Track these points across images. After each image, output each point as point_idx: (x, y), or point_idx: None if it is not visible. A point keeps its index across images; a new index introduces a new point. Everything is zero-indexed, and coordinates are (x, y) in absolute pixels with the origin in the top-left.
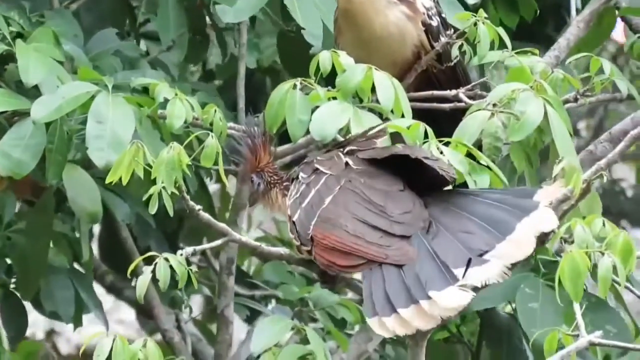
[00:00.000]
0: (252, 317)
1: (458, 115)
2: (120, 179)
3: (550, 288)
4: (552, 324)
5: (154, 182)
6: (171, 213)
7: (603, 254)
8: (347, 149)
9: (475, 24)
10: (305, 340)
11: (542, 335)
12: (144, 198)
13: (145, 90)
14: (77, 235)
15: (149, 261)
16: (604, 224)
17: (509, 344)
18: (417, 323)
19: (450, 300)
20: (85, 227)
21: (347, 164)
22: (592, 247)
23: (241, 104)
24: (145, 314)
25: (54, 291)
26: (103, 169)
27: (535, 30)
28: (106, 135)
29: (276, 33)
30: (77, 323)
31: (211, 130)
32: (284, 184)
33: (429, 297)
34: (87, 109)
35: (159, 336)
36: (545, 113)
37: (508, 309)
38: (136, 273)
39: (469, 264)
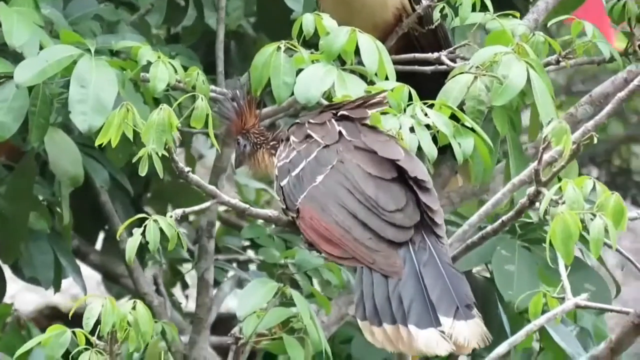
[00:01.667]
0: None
1: (439, 78)
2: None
3: (526, 250)
4: (529, 287)
5: (132, 146)
6: (161, 175)
7: (595, 215)
8: (340, 113)
9: None
10: (287, 304)
11: (520, 298)
12: (134, 160)
13: (125, 53)
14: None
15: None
16: (594, 186)
17: (485, 308)
18: (400, 345)
19: (428, 342)
20: (66, 191)
21: (340, 133)
22: (582, 208)
23: (220, 67)
24: (111, 278)
25: (33, 256)
26: (86, 133)
27: None
28: (89, 99)
29: None
30: (56, 288)
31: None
32: (271, 143)
33: (407, 328)
34: (69, 73)
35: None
36: (528, 77)
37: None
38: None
39: (456, 312)
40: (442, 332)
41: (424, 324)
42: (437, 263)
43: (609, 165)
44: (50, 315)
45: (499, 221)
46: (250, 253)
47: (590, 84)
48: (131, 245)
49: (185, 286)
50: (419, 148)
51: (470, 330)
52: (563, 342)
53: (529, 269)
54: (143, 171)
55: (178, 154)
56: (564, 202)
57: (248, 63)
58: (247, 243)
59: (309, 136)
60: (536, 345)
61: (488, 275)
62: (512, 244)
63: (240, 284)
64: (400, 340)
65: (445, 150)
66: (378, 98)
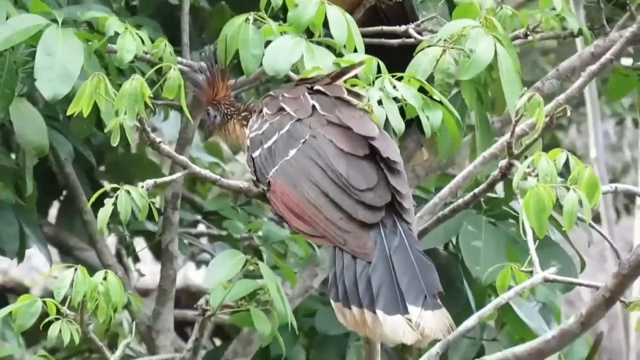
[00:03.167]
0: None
1: (405, 51)
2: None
3: (492, 225)
4: (495, 262)
5: (96, 118)
6: (132, 146)
7: (569, 188)
8: (315, 87)
9: None
10: (252, 277)
11: (487, 272)
12: (106, 130)
13: (89, 25)
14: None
15: None
16: (567, 159)
17: (449, 284)
18: (365, 330)
19: (394, 330)
20: (31, 161)
21: (314, 107)
22: (555, 181)
23: (185, 38)
24: (64, 250)
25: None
26: (51, 101)
27: None
28: (55, 67)
29: None
30: (21, 258)
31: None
32: (242, 114)
33: (373, 309)
34: (35, 42)
35: None
36: (496, 51)
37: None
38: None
39: (424, 301)
40: (410, 320)
41: (392, 310)
42: (407, 249)
43: None
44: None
45: (471, 194)
46: (202, 227)
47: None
48: (103, 216)
49: (136, 259)
50: (387, 121)
51: (436, 321)
52: (526, 318)
53: (496, 244)
54: (115, 141)
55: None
56: (536, 175)
57: (206, 36)
58: (199, 217)
59: (282, 109)
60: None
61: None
62: (478, 220)
63: (193, 257)
64: (366, 324)
65: (410, 124)
66: (354, 71)
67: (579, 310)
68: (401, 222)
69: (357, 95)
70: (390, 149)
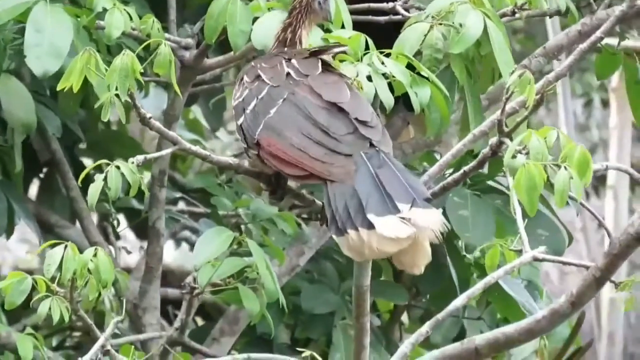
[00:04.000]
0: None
1: (391, 29)
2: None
3: (477, 197)
4: (484, 228)
5: (83, 92)
6: (124, 120)
7: (559, 166)
8: (292, 60)
9: None
10: (238, 254)
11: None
12: (96, 106)
13: (75, 2)
14: None
15: None
16: (558, 136)
17: (433, 260)
18: (365, 249)
19: (388, 228)
20: (19, 138)
21: (288, 74)
22: (546, 159)
23: (172, 15)
24: (45, 228)
25: None
26: (41, 77)
27: None
28: (44, 43)
29: None
30: (9, 234)
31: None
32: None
33: (369, 223)
34: (24, 19)
35: None
36: (485, 26)
37: None
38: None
39: (413, 202)
40: (402, 218)
41: (382, 212)
42: (390, 165)
43: None
44: None
45: (461, 171)
46: (182, 205)
47: None
48: (93, 191)
49: (117, 237)
50: (376, 96)
51: (429, 215)
52: (514, 294)
53: (484, 213)
54: (105, 117)
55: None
56: (527, 153)
57: (188, 12)
58: (179, 194)
59: (258, 76)
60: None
61: None
62: (463, 192)
63: (173, 235)
64: (364, 243)
65: (397, 101)
66: (335, 50)
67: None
68: (382, 151)
69: (334, 70)
70: (359, 110)
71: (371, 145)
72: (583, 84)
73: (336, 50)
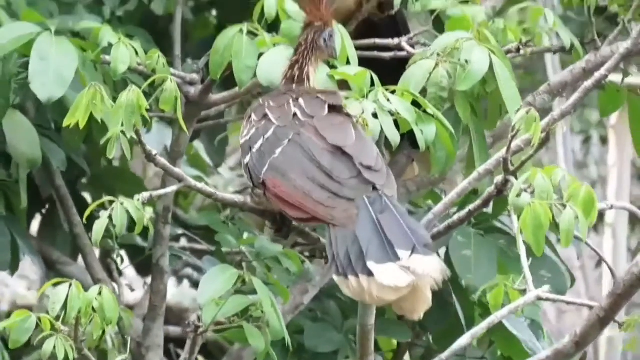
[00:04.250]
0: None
1: (396, 65)
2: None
3: (481, 237)
4: (487, 270)
5: (88, 128)
6: (129, 157)
7: (565, 206)
8: (300, 100)
9: None
10: (243, 292)
11: (482, 288)
12: (102, 142)
13: (77, 35)
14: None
15: None
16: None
17: (438, 298)
18: (366, 296)
19: (387, 277)
20: (24, 173)
21: (295, 115)
22: (551, 198)
23: (177, 50)
24: (47, 265)
25: None
26: (46, 103)
27: None
28: (49, 71)
29: None
30: (14, 270)
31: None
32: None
33: (368, 270)
34: (28, 51)
35: None
36: (491, 62)
37: None
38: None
39: (414, 249)
40: (402, 266)
41: (382, 259)
42: (393, 211)
43: None
44: None
45: (466, 210)
46: (184, 242)
47: None
48: (98, 228)
49: (119, 274)
50: (381, 132)
51: (429, 262)
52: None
53: (487, 253)
54: (111, 153)
55: None
56: (532, 192)
57: (188, 45)
58: (180, 231)
59: (266, 115)
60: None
61: None
62: (467, 231)
63: (175, 272)
64: (364, 290)
65: (402, 138)
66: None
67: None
68: (385, 195)
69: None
70: (363, 153)
71: (374, 188)
72: (582, 121)
73: (343, 94)
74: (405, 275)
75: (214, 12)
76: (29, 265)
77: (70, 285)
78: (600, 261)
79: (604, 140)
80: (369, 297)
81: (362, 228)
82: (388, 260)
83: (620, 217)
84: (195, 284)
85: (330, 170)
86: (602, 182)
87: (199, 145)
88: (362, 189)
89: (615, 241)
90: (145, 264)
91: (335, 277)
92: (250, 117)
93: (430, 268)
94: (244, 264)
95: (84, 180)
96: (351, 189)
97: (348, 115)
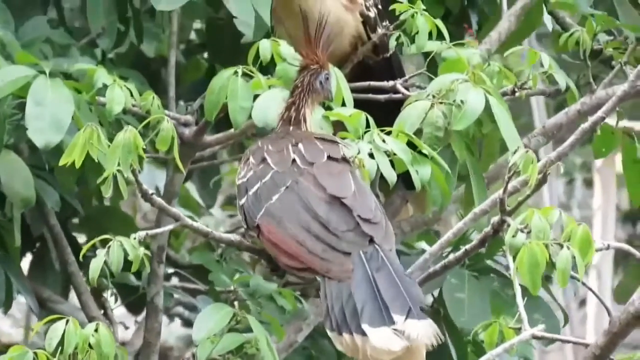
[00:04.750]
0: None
1: (391, 106)
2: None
3: (475, 279)
4: (480, 313)
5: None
6: (125, 197)
7: (562, 245)
8: (299, 145)
9: (413, 16)
10: (237, 330)
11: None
12: (98, 181)
13: (70, 76)
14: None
15: None
16: (560, 215)
17: None
18: (359, 355)
19: (381, 341)
20: (18, 212)
21: (294, 161)
22: (548, 238)
23: (171, 92)
24: (39, 303)
25: None
26: (43, 149)
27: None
28: (45, 116)
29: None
30: (7, 308)
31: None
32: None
33: (362, 330)
34: (24, 93)
35: None
36: (487, 103)
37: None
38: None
39: (409, 312)
40: (395, 330)
41: (377, 322)
42: (389, 269)
43: None
44: None
45: (462, 250)
46: (175, 280)
47: None
48: (95, 266)
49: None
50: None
51: (423, 327)
52: None
53: (480, 296)
54: (107, 192)
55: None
56: (528, 232)
57: (180, 88)
58: (171, 270)
59: (264, 159)
60: None
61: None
62: (461, 273)
63: (166, 311)
64: (358, 349)
65: (396, 179)
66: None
67: None
68: (382, 249)
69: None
70: (362, 206)
71: (371, 241)
72: (566, 163)
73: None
74: (399, 340)
75: (205, 55)
76: (15, 304)
77: (67, 321)
78: (583, 301)
79: (587, 183)
80: (362, 356)
81: (358, 286)
82: (383, 324)
83: (605, 259)
84: (186, 322)
85: (327, 222)
86: (587, 224)
87: (189, 186)
88: (359, 243)
89: (600, 282)
90: (136, 302)
91: (329, 332)
92: (248, 159)
93: (424, 333)
94: (236, 303)
95: (75, 220)
96: (348, 243)
97: (346, 161)
